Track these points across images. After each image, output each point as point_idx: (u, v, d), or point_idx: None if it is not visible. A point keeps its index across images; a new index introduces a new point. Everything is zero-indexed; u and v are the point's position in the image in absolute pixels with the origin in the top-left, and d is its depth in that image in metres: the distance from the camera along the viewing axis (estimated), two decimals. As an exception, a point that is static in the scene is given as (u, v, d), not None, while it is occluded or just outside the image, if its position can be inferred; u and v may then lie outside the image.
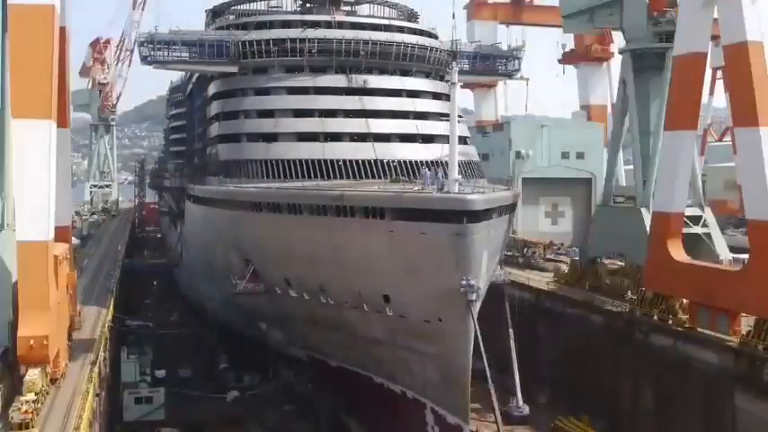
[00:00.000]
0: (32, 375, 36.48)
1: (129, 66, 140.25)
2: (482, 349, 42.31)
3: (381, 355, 49.29)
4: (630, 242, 60.95)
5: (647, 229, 56.40)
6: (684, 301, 51.97)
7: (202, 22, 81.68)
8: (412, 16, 78.59)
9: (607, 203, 69.34)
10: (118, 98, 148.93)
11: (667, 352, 50.13)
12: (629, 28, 64.90)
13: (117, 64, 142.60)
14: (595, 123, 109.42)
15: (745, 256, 72.02)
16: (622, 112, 67.23)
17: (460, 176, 43.70)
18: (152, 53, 66.02)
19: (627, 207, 67.05)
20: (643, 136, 64.24)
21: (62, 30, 44.78)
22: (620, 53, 67.91)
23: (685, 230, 56.61)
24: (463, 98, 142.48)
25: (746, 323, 46.95)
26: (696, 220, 60.99)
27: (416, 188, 46.88)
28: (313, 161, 57.86)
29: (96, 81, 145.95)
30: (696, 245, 59.12)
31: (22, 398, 34.46)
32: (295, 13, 73.30)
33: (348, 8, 73.06)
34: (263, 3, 78.22)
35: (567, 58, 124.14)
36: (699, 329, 49.17)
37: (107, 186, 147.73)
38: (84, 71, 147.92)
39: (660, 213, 53.61)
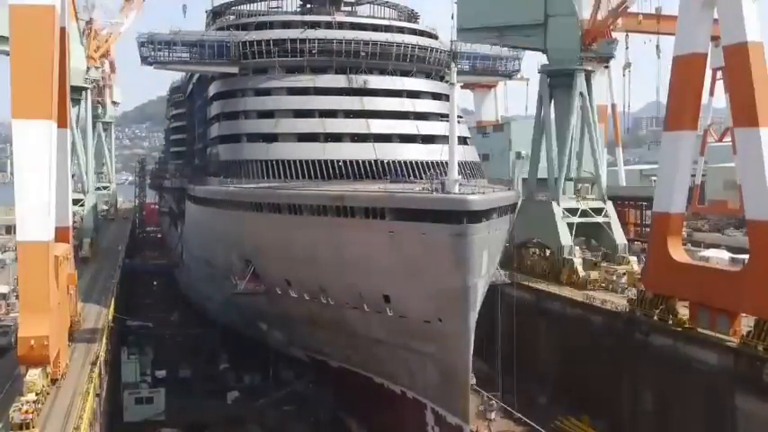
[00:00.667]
0: (33, 376, 36.52)
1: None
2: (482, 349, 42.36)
3: (382, 356, 49.31)
4: (545, 230, 73.08)
5: (557, 219, 70.78)
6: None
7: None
8: (412, 17, 78.67)
9: (530, 199, 75.38)
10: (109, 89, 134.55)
11: (667, 352, 50.14)
12: (554, 51, 73.66)
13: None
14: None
15: (745, 256, 72.27)
16: (542, 123, 76.06)
17: (460, 177, 43.75)
18: (152, 54, 66.07)
19: (542, 201, 74.61)
20: (559, 143, 74.01)
21: (62, 30, 44.82)
22: (539, 72, 76.32)
23: (591, 219, 73.08)
24: (463, 99, 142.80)
25: (746, 323, 46.96)
26: (599, 211, 74.16)
27: (417, 188, 46.94)
28: (313, 161, 57.93)
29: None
30: (598, 232, 74.64)
31: (22, 398, 34.51)
32: (295, 13, 73.41)
33: (348, 9, 73.24)
34: (263, 3, 78.31)
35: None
36: (699, 329, 49.21)
37: (105, 188, 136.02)
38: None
39: (660, 214, 53.69)
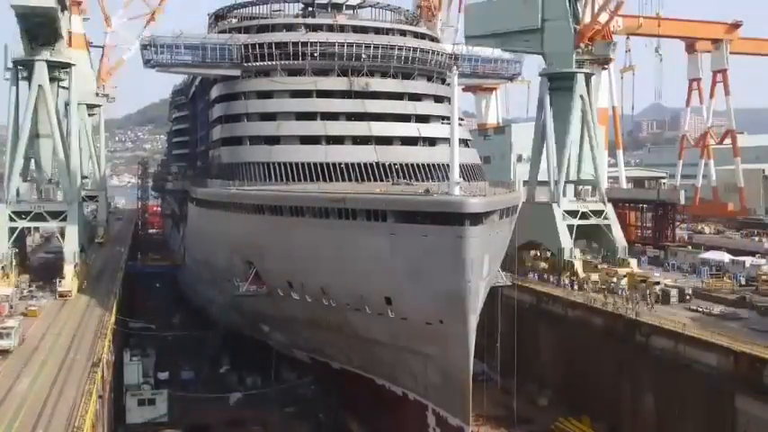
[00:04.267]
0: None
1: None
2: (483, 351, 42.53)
3: (383, 357, 49.51)
4: (545, 232, 74.19)
5: (557, 221, 72.78)
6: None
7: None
8: (413, 20, 78.88)
9: (530, 201, 76.41)
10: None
11: (668, 354, 50.30)
12: (551, 54, 76.20)
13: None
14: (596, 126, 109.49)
15: (745, 258, 72.57)
16: (542, 126, 77.53)
17: (461, 179, 43.96)
18: (155, 56, 66.25)
19: (543, 203, 76.15)
20: (559, 145, 75.54)
21: None
22: (539, 75, 78.33)
23: (592, 221, 74.69)
24: (465, 101, 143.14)
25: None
26: (599, 213, 75.61)
27: (418, 191, 47.10)
28: (315, 164, 58.08)
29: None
30: (597, 234, 76.34)
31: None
32: (297, 16, 73.56)
33: (350, 12, 73.36)
34: (265, 6, 78.47)
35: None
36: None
37: (91, 198, 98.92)
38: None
39: None
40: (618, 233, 75.92)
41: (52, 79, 70.08)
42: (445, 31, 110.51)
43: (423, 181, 56.28)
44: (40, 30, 66.42)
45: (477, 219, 40.35)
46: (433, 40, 72.06)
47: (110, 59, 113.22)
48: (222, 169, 65.21)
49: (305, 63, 64.87)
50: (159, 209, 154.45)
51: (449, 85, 46.98)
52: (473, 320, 42.25)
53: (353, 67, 64.63)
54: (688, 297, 60.90)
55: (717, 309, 57.11)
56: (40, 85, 67.61)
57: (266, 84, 65.41)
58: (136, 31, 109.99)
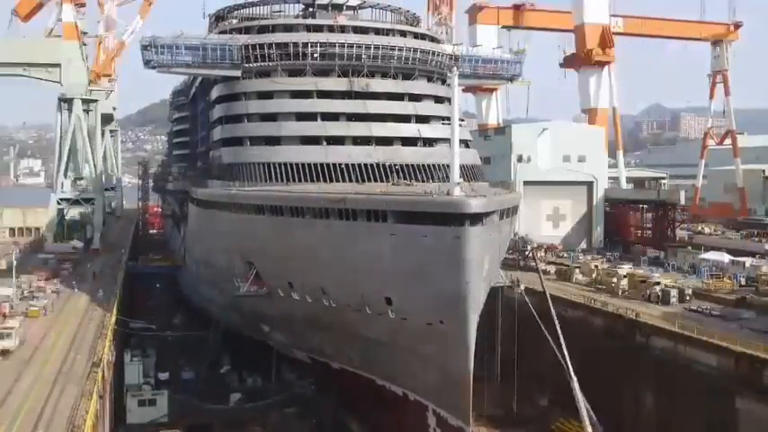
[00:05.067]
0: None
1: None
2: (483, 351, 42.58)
3: (383, 358, 49.56)
4: None
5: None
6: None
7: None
8: (414, 20, 78.90)
9: None
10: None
11: (668, 354, 50.33)
12: None
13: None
14: (596, 127, 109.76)
15: (745, 258, 72.59)
16: None
17: (461, 179, 44.04)
18: (155, 57, 66.28)
19: None
20: None
21: None
22: None
23: None
24: (465, 102, 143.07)
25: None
26: None
27: (419, 191, 47.18)
28: (315, 164, 58.09)
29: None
30: None
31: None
32: (297, 17, 73.65)
33: (350, 12, 73.35)
34: (265, 7, 78.53)
35: (567, 63, 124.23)
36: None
37: (111, 189, 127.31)
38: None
39: None
40: None
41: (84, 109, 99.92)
42: (442, 28, 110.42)
43: (423, 181, 56.30)
44: None
45: (476, 219, 40.42)
46: (434, 40, 72.07)
47: (109, 45, 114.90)
48: (223, 170, 65.25)
49: (305, 64, 64.87)
50: (160, 209, 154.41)
51: (449, 85, 46.98)
52: (473, 320, 42.33)
53: (354, 67, 64.64)
54: (688, 297, 60.98)
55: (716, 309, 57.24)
56: (77, 115, 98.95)
57: (267, 84, 65.43)
58: (130, 18, 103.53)
